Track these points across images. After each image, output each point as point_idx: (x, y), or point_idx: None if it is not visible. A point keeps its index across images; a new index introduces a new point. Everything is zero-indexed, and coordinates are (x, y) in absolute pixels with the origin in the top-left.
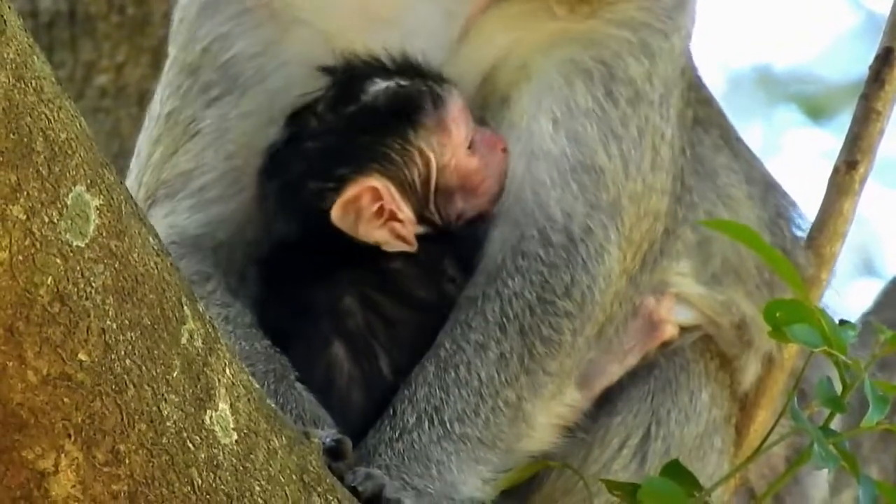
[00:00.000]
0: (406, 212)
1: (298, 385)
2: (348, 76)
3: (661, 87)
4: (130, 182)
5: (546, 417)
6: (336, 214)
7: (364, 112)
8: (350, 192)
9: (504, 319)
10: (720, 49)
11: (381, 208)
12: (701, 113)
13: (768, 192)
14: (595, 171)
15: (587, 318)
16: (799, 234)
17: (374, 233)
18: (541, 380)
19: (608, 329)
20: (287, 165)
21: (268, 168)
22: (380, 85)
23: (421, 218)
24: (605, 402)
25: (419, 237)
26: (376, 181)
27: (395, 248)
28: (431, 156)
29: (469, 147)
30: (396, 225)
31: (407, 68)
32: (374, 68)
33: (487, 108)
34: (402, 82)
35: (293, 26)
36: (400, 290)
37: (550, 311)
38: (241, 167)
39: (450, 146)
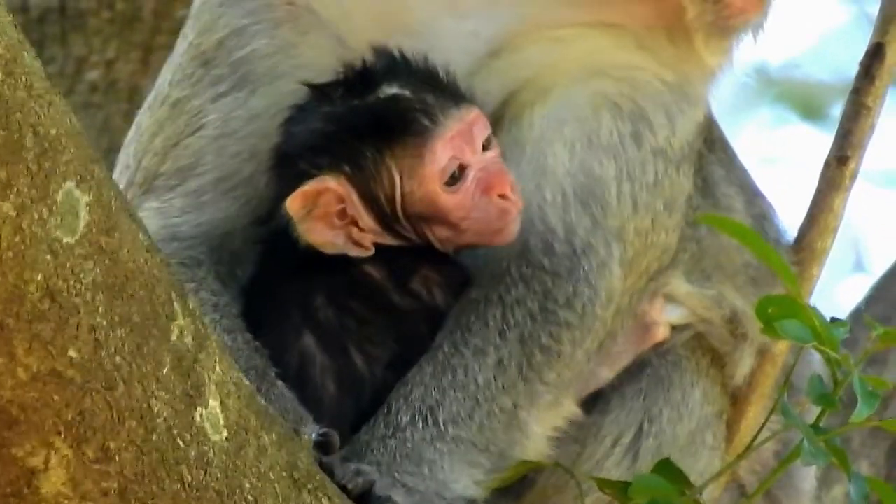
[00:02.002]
0: (367, 221)
1: (280, 383)
2: (373, 68)
3: (686, 146)
4: (128, 157)
5: (541, 427)
6: (291, 203)
7: (362, 111)
8: (312, 185)
9: (505, 326)
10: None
11: (344, 211)
12: (709, 136)
13: (755, 197)
14: (602, 205)
15: (587, 331)
16: (780, 236)
17: (323, 232)
18: (538, 389)
19: (609, 343)
20: (290, 134)
21: (280, 129)
22: (391, 90)
23: (392, 231)
24: (598, 400)
25: (393, 246)
26: (339, 184)
27: (346, 251)
28: (397, 178)
29: (450, 182)
30: (354, 230)
31: (430, 79)
32: (403, 70)
33: (508, 124)
34: (408, 95)
35: (313, 29)
36: (370, 294)
37: (551, 321)
38: (241, 171)
39: (419, 176)
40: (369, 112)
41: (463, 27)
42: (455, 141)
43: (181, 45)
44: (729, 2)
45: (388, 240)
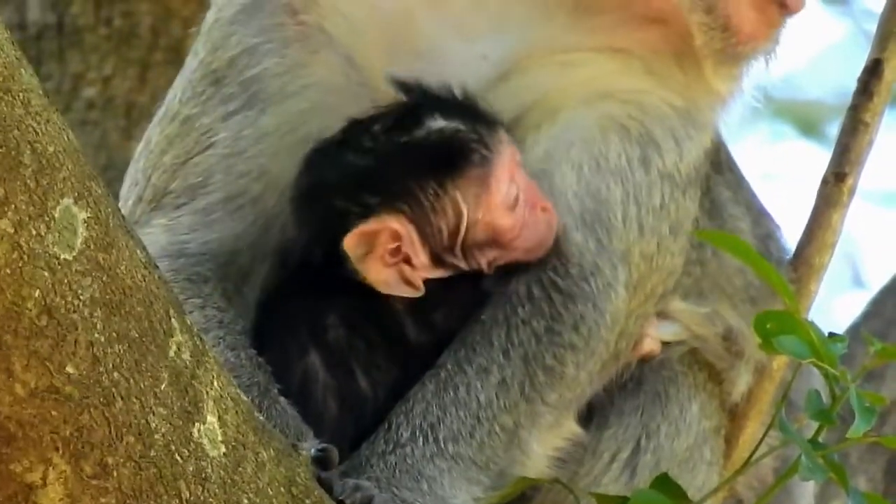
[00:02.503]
0: (422, 258)
1: (282, 399)
2: (414, 102)
3: (693, 171)
4: (137, 173)
5: (542, 447)
6: (349, 242)
7: (412, 147)
8: (371, 225)
9: (509, 345)
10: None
11: (398, 249)
12: (716, 158)
13: (760, 217)
14: (608, 228)
15: (591, 353)
16: (784, 255)
17: (380, 271)
18: (539, 409)
19: (611, 365)
20: (324, 169)
21: (308, 162)
22: (437, 123)
23: (440, 262)
24: (596, 415)
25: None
26: (399, 223)
27: (398, 292)
28: (464, 209)
29: (513, 206)
30: (406, 269)
31: (467, 108)
32: (440, 101)
33: (516, 146)
34: (460, 127)
35: (323, 49)
36: (386, 323)
37: (556, 342)
38: (249, 190)
39: (486, 203)
40: (425, 148)
41: (472, 50)
42: (509, 165)
43: (192, 62)
44: (737, 29)
45: (436, 274)
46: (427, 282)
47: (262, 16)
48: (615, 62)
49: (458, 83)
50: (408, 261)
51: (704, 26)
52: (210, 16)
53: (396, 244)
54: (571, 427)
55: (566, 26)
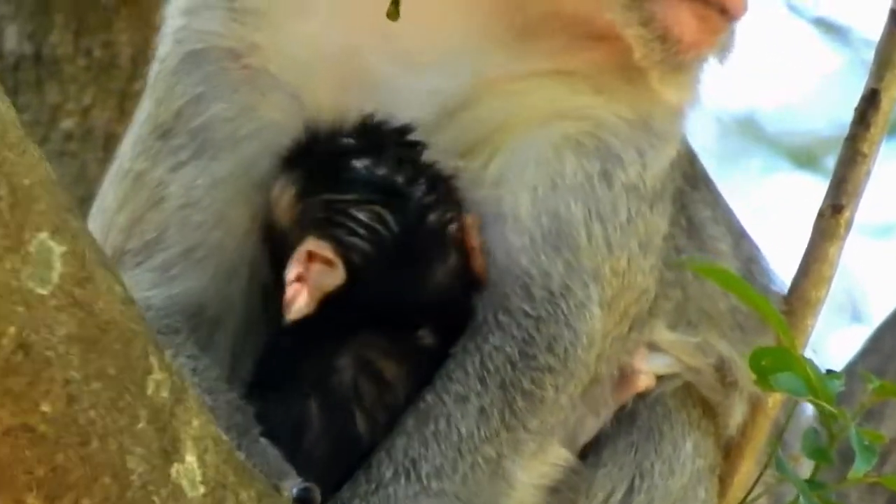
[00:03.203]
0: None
1: (262, 440)
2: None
3: (659, 184)
4: (95, 232)
5: (527, 476)
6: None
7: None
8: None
9: (484, 372)
10: (706, 94)
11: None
12: (689, 171)
13: (741, 239)
14: (573, 248)
15: (570, 376)
16: (769, 280)
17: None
18: (521, 436)
19: (595, 389)
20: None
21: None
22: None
23: None
24: (590, 454)
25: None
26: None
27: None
28: None
29: None
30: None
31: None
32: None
33: (469, 176)
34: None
35: (271, 91)
36: (413, 360)
37: (532, 366)
38: (207, 240)
39: None
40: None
41: (422, 85)
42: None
43: (140, 116)
44: (678, 38)
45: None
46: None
47: (206, 63)
48: (564, 84)
49: (410, 119)
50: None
51: (642, 39)
52: (153, 68)
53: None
54: (557, 452)
55: (513, 54)
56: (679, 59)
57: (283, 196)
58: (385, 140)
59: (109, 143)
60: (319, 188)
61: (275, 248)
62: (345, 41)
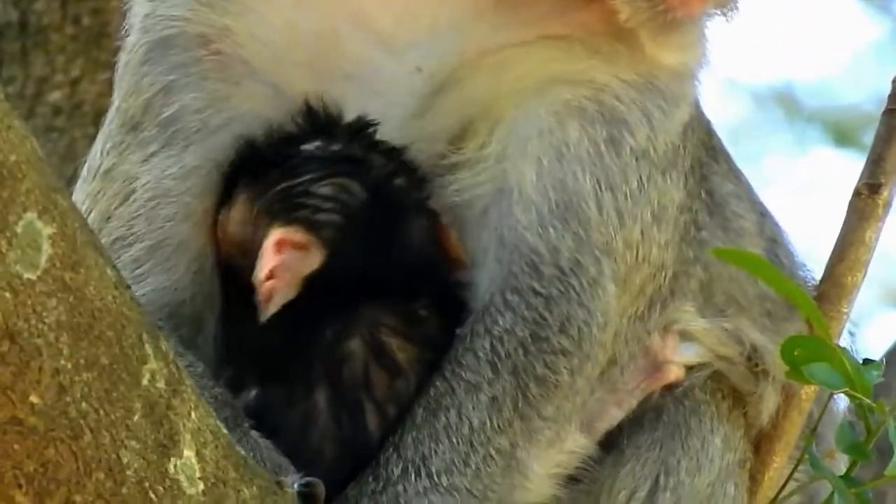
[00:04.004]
0: None
1: (253, 433)
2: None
3: (672, 150)
4: None
5: (542, 467)
6: None
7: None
8: None
9: (495, 358)
10: (739, 66)
11: None
12: (709, 143)
13: (763, 219)
14: (583, 220)
15: (585, 358)
16: (794, 264)
17: None
18: (536, 425)
19: (613, 371)
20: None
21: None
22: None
23: None
24: (612, 450)
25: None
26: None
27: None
28: None
29: None
30: None
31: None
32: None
33: (466, 156)
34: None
35: (244, 79)
36: (422, 337)
37: (546, 349)
38: (176, 234)
39: None
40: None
41: (403, 64)
42: None
43: (110, 112)
44: None
45: None
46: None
47: (174, 52)
48: (554, 49)
49: (392, 104)
50: None
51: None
52: (121, 60)
53: None
54: (575, 440)
55: (497, 24)
56: (669, 19)
57: (235, 211)
58: (330, 122)
59: (99, 118)
60: (272, 183)
61: (239, 281)
62: (319, 25)
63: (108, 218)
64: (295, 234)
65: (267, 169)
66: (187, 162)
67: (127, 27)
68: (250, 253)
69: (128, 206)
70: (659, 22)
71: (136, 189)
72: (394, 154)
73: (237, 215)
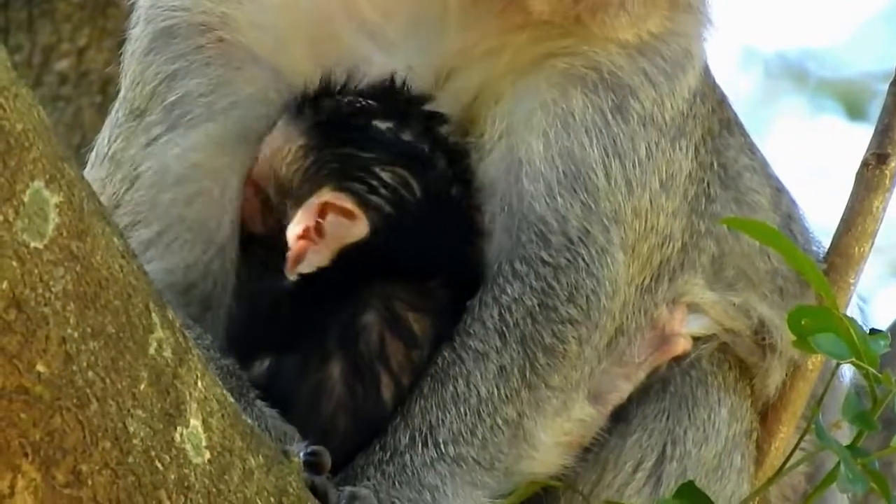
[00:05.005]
0: None
1: (259, 402)
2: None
3: (680, 117)
4: None
5: (550, 436)
6: None
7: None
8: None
9: (503, 327)
10: (746, 35)
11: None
12: (722, 115)
13: (779, 194)
14: (591, 189)
15: (593, 327)
16: (809, 241)
17: None
18: (543, 395)
19: (620, 340)
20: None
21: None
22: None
23: None
24: (619, 421)
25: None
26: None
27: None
28: None
29: None
30: None
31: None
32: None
33: (469, 138)
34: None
35: (246, 65)
36: (436, 310)
37: (554, 318)
38: (183, 218)
39: None
40: None
41: (395, 62)
42: None
43: (117, 101)
44: None
45: None
46: None
47: (178, 41)
48: (541, 30)
49: None
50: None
51: None
52: (127, 50)
53: None
54: (582, 408)
55: (478, 15)
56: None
57: (288, 147)
58: (407, 106)
59: (106, 87)
60: (333, 143)
61: (266, 205)
62: (316, 12)
63: (117, 206)
64: (345, 201)
65: (335, 127)
66: (191, 145)
67: (132, 18)
68: (286, 192)
69: (134, 191)
70: (589, 4)
71: (141, 174)
72: (455, 157)
73: (288, 153)
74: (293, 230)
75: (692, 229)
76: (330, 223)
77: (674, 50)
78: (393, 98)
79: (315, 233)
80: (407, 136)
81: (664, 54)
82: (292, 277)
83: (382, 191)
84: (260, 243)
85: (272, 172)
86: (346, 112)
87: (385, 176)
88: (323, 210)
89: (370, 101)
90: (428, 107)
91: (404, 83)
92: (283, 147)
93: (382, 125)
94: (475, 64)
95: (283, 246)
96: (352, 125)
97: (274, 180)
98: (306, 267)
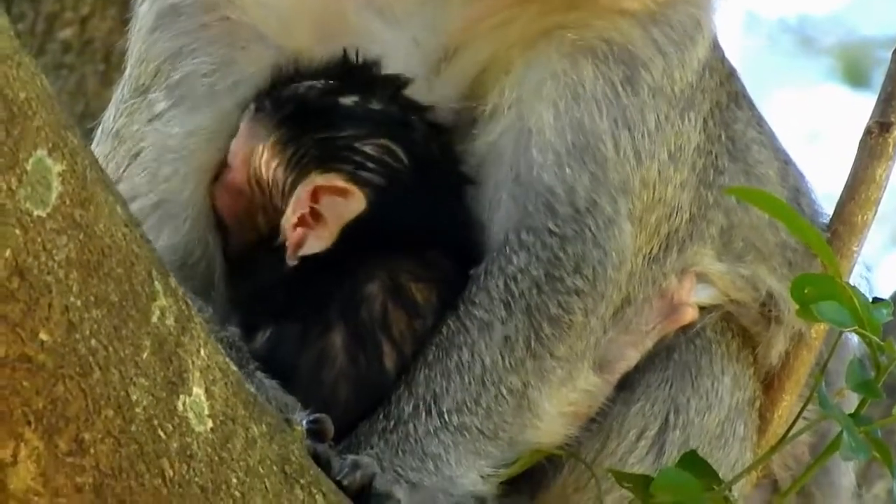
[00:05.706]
0: None
1: (259, 373)
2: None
3: (690, 90)
4: None
5: (554, 406)
6: None
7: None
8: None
9: (509, 297)
10: (749, 1)
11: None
12: (731, 88)
13: (787, 167)
14: (600, 160)
15: (600, 297)
16: (817, 214)
17: None
18: (548, 365)
19: (627, 310)
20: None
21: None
22: None
23: None
24: (623, 389)
25: None
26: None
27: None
28: None
29: None
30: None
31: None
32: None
33: (478, 110)
34: None
35: (251, 44)
36: (439, 280)
37: (560, 289)
38: (180, 193)
39: None
40: None
41: (402, 36)
42: None
43: (122, 78)
44: None
45: None
46: None
47: (182, 19)
48: (546, 3)
49: (397, 70)
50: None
51: None
52: (132, 28)
53: None
54: (587, 378)
55: None
56: None
57: (261, 147)
58: (366, 76)
59: (110, 55)
60: (306, 130)
61: (250, 211)
62: None
63: (120, 180)
64: (335, 180)
65: (301, 114)
66: (193, 122)
67: None
68: (273, 195)
69: (136, 166)
70: None
71: (143, 150)
72: (426, 116)
73: (264, 153)
74: (288, 221)
75: (700, 201)
76: (325, 205)
77: (683, 19)
78: (348, 72)
79: (311, 218)
80: (376, 106)
81: (673, 23)
82: (292, 262)
83: (369, 164)
84: (254, 248)
85: (251, 176)
86: (308, 97)
87: (368, 149)
88: (315, 195)
89: (328, 81)
90: (384, 71)
91: (355, 55)
92: (256, 148)
93: (348, 100)
94: (483, 37)
95: (282, 245)
96: (318, 108)
97: (256, 184)
98: (308, 251)
